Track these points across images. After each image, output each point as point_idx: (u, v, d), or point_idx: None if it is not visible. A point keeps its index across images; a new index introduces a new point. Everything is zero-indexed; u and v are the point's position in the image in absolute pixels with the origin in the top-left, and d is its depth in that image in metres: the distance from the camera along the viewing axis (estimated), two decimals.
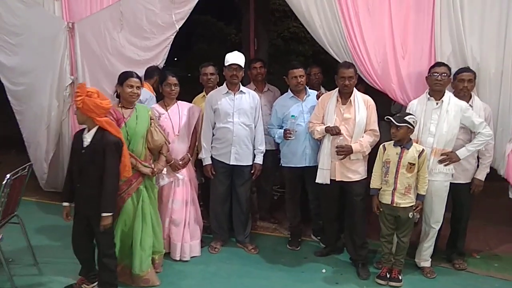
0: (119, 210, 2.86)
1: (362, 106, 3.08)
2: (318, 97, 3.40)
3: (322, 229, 3.58)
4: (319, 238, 3.66)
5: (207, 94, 3.65)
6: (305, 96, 3.44)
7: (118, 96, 2.99)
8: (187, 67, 8.06)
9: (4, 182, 2.69)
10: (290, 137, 3.28)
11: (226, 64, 3.33)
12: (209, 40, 11.89)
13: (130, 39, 4.06)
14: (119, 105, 2.95)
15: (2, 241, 2.92)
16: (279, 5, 10.53)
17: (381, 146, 3.05)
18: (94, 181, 2.57)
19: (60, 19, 4.24)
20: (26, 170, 3.03)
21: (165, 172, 3.21)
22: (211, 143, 3.41)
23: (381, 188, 3.00)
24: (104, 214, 2.56)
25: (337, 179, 3.13)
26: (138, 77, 2.97)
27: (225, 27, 12.87)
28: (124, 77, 2.94)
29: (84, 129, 2.67)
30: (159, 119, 3.27)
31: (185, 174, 3.37)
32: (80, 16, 4.21)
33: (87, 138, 2.60)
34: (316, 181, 3.19)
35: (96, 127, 2.59)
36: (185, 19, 3.97)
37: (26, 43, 4.38)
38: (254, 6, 4.94)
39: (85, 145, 2.60)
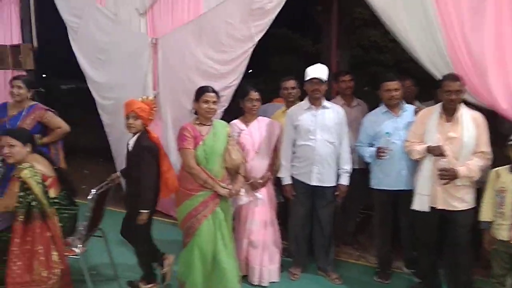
0: (194, 231, 2.77)
1: (470, 124, 2.65)
2: (416, 112, 3.02)
3: (417, 261, 3.15)
4: (413, 271, 3.23)
5: (287, 109, 3.46)
6: (401, 111, 3.08)
7: (196, 112, 2.91)
8: (264, 81, 8.01)
9: (89, 197, 2.72)
10: (383, 156, 2.95)
11: (307, 78, 3.10)
12: (284, 52, 11.76)
13: (208, 53, 4.03)
14: (197, 122, 2.87)
15: (85, 253, 2.96)
16: (359, 13, 10.09)
17: (492, 171, 2.59)
18: (135, 181, 2.79)
19: (144, 35, 4.36)
20: (111, 183, 3.08)
21: (243, 193, 3.05)
22: (292, 162, 3.19)
23: (494, 221, 2.54)
24: (141, 211, 2.73)
25: (438, 207, 2.71)
26: (214, 91, 2.86)
27: (301, 39, 12.66)
28: (200, 92, 2.85)
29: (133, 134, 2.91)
30: (239, 135, 3.14)
31: (264, 194, 3.18)
32: (163, 32, 4.29)
33: (131, 143, 2.88)
34: (412, 208, 2.81)
35: (138, 134, 2.84)
36: (264, 31, 3.84)
37: (114, 59, 4.58)
38: (337, 16, 4.68)
39: (129, 149, 2.88)
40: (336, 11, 4.64)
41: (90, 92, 5.11)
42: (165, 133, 4.32)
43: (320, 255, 3.30)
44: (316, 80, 3.03)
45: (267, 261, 3.16)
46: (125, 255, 3.38)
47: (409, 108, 3.12)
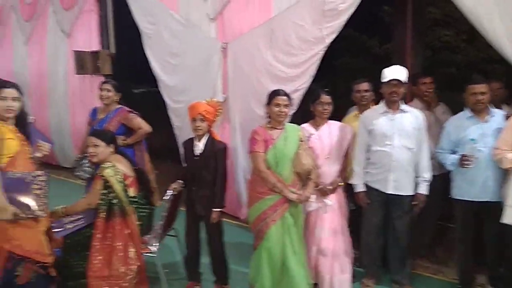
0: (263, 235, 2.74)
1: None
2: (507, 117, 2.76)
3: (504, 280, 2.88)
4: None
5: (360, 113, 3.34)
6: (488, 116, 2.83)
7: (269, 116, 2.88)
8: (332, 83, 7.86)
9: (165, 198, 2.80)
10: (468, 164, 2.72)
11: (385, 79, 2.96)
12: (351, 53, 11.49)
13: (278, 56, 4.01)
14: (268, 126, 2.84)
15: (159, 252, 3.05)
16: (431, 13, 9.57)
17: None
18: (207, 183, 2.84)
19: (215, 40, 4.45)
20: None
21: (313, 199, 2.98)
22: (365, 168, 3.06)
23: None
24: (214, 210, 2.84)
25: None
26: (286, 95, 2.82)
27: (368, 40, 12.29)
28: (272, 96, 2.82)
29: (191, 139, 2.99)
30: (308, 140, 3.07)
31: (334, 201, 3.08)
32: (233, 37, 4.35)
33: (200, 146, 2.90)
34: (501, 221, 2.56)
35: (207, 136, 2.90)
36: (336, 33, 3.74)
37: (186, 63, 4.72)
38: (412, 16, 4.45)
39: (197, 153, 2.88)
40: (411, 10, 4.40)
41: (159, 95, 5.33)
42: (233, 136, 4.36)
43: (395, 267, 3.12)
44: (395, 82, 2.88)
45: (338, 270, 3.05)
46: None
47: (497, 113, 2.87)
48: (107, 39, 5.78)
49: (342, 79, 6.77)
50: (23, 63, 7.11)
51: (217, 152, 2.85)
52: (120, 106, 3.68)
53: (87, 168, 3.65)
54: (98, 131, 2.97)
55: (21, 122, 2.62)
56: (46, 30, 6.51)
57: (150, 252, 2.88)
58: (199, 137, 2.90)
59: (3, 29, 7.53)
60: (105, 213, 2.69)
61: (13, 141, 2.49)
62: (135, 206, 2.81)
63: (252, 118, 4.12)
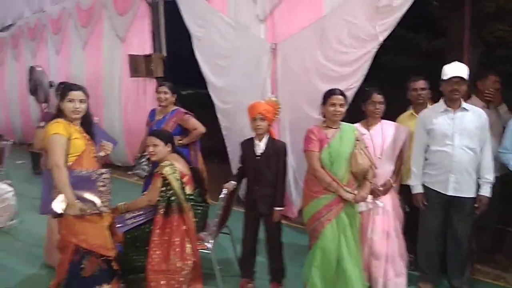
0: (318, 234, 2.73)
1: None
2: None
3: None
4: None
5: (415, 112, 3.23)
6: None
7: (324, 116, 2.86)
8: (377, 82, 7.65)
9: (221, 196, 2.86)
10: None
11: (445, 77, 2.84)
12: (397, 50, 11.13)
13: (328, 55, 3.97)
14: (324, 125, 2.82)
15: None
16: (485, 6, 9.07)
17: None
18: (269, 182, 2.87)
19: (264, 41, 4.48)
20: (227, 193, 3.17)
21: (370, 200, 2.92)
22: (424, 169, 2.96)
23: None
24: (276, 209, 2.87)
25: None
26: (342, 94, 2.78)
27: (415, 36, 11.86)
28: (327, 95, 2.79)
29: (250, 139, 3.01)
30: None
31: (387, 202, 3.00)
32: (282, 37, 4.36)
33: (261, 145, 2.92)
34: None
35: (268, 136, 2.92)
36: (390, 30, 3.65)
37: (234, 65, 4.79)
38: (470, 9, 4.25)
39: (259, 152, 2.91)
40: (469, 2, 4.21)
41: (206, 97, 5.45)
42: (282, 136, 4.36)
43: (455, 272, 2.99)
44: (456, 79, 2.76)
45: (392, 273, 2.97)
46: None
47: None
48: (159, 43, 5.98)
49: (387, 77, 6.59)
50: (80, 67, 7.51)
51: (278, 151, 2.88)
52: (176, 107, 3.79)
53: (145, 167, 3.80)
54: (157, 131, 3.07)
55: (87, 123, 2.77)
56: (102, 35, 6.84)
57: (206, 249, 2.94)
58: (260, 137, 2.93)
59: (61, 35, 8.00)
60: (164, 210, 2.79)
61: (79, 141, 2.63)
62: (191, 203, 2.90)
63: (302, 117, 4.11)
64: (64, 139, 2.54)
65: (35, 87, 7.48)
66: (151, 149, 2.88)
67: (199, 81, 5.60)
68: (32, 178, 6.90)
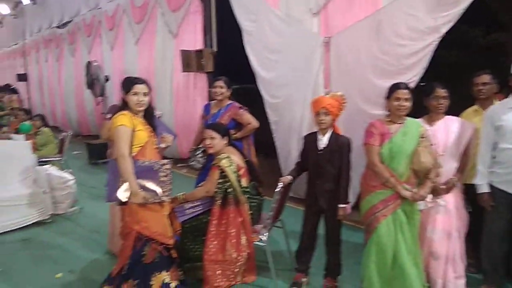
0: (373, 229, 2.69)
1: None
2: None
3: None
4: None
5: (482, 108, 3.08)
6: None
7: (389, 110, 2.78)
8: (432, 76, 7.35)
9: (276, 190, 2.87)
10: None
11: None
12: (449, 45, 10.67)
13: (384, 48, 3.86)
14: (387, 119, 2.75)
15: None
16: None
17: None
18: (332, 178, 2.82)
19: (317, 35, 4.43)
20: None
21: (429, 199, 2.82)
22: (491, 168, 2.81)
23: None
24: (341, 205, 2.82)
25: None
26: (407, 88, 2.69)
27: (469, 30, 11.27)
28: (392, 89, 2.71)
29: (313, 133, 2.97)
30: None
31: (450, 201, 2.88)
32: (336, 30, 4.29)
33: (324, 140, 2.86)
34: None
35: (331, 131, 2.86)
36: (453, 22, 3.49)
37: (285, 59, 4.78)
38: None
39: (321, 147, 2.86)
40: None
41: (254, 91, 5.48)
42: None
43: None
44: None
45: (452, 275, 2.86)
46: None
47: None
48: (210, 38, 6.08)
49: (441, 72, 6.33)
50: (133, 62, 7.79)
51: (342, 146, 2.83)
52: (231, 102, 3.83)
53: (200, 159, 3.89)
54: (214, 124, 3.13)
55: (149, 115, 2.86)
56: (155, 31, 7.05)
57: (260, 242, 2.97)
58: (323, 131, 2.88)
59: (116, 31, 8.34)
60: (220, 201, 2.85)
61: (143, 132, 2.73)
62: (247, 196, 2.93)
63: (355, 112, 4.03)
64: (129, 130, 2.64)
65: (91, 81, 7.88)
66: (208, 141, 2.94)
67: (247, 75, 5.66)
68: (88, 168, 7.29)
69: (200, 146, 3.96)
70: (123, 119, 2.65)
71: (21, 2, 12.60)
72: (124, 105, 2.76)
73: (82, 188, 5.32)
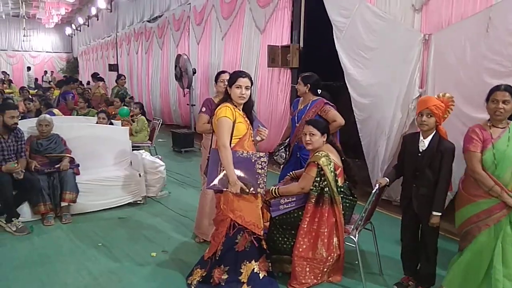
0: (471, 238, 2.54)
1: None
2: None
3: None
4: None
5: None
6: None
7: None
8: None
9: (373, 191, 2.79)
10: None
11: None
12: None
13: (494, 47, 3.55)
14: (488, 124, 2.55)
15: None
16: None
17: None
18: (429, 182, 2.67)
19: (416, 32, 4.21)
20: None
21: None
22: None
23: None
24: (434, 213, 2.65)
25: None
26: (508, 90, 2.45)
27: None
28: (491, 91, 2.52)
29: (415, 133, 2.83)
30: None
31: None
32: (438, 27, 4.05)
33: (425, 143, 2.71)
34: None
35: (433, 133, 2.69)
36: None
37: (378, 56, 4.61)
38: None
39: (421, 149, 2.71)
40: None
41: (339, 89, 5.35)
42: None
43: None
44: None
45: None
46: (391, 252, 3.41)
47: None
48: (297, 34, 6.06)
49: None
50: (219, 56, 8.05)
51: (444, 151, 2.64)
52: (318, 97, 3.80)
53: (283, 154, 3.93)
54: (314, 121, 3.11)
55: (248, 108, 2.93)
56: (242, 26, 7.20)
57: (351, 243, 2.92)
58: (424, 133, 2.72)
59: (203, 26, 8.66)
60: (315, 199, 2.84)
61: (242, 125, 2.80)
62: (342, 196, 2.89)
63: (455, 115, 3.76)
64: (230, 122, 2.73)
65: (180, 73, 8.26)
66: (307, 138, 2.94)
67: (333, 73, 5.57)
68: (171, 155, 7.69)
69: (286, 140, 4.00)
70: (226, 111, 2.75)
71: None
72: (227, 97, 2.86)
73: (168, 174, 5.62)
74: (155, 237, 3.86)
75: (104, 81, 10.65)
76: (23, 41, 22.76)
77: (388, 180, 2.86)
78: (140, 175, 4.73)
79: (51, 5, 17.66)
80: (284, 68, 6.26)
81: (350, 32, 4.93)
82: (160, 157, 5.54)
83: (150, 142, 6.55)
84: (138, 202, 4.75)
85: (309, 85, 3.78)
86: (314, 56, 6.04)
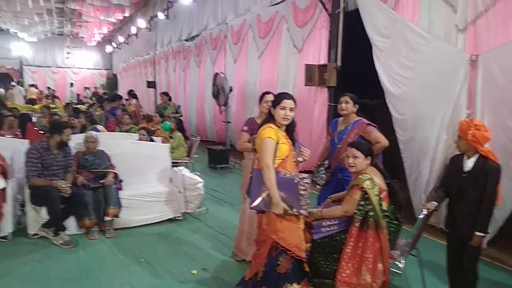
0: None
1: None
2: None
3: None
4: None
5: None
6: None
7: None
8: None
9: (421, 217, 2.72)
10: None
11: None
12: None
13: None
14: None
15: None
16: None
17: None
18: (473, 202, 2.68)
19: (462, 52, 4.13)
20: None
21: None
22: None
23: None
24: (477, 233, 2.65)
25: None
26: None
27: None
28: None
29: (459, 155, 2.85)
30: None
31: None
32: (485, 48, 3.95)
33: (469, 164, 2.75)
34: None
35: (478, 154, 2.73)
36: None
37: (420, 76, 4.53)
38: None
39: (466, 170, 2.75)
40: None
41: (373, 107, 5.28)
42: None
43: None
44: None
45: None
46: (437, 278, 3.30)
47: None
48: (335, 53, 6.07)
49: None
50: (255, 75, 8.16)
51: (489, 172, 2.65)
52: (359, 118, 3.75)
53: (323, 175, 3.89)
54: (358, 143, 3.08)
55: (290, 129, 2.94)
56: (279, 45, 7.29)
57: (396, 269, 2.84)
58: (467, 154, 2.77)
59: (240, 45, 8.82)
60: (359, 223, 2.79)
61: (285, 146, 2.81)
62: (386, 220, 2.83)
63: (506, 136, 3.68)
64: (274, 143, 2.75)
65: (217, 91, 8.43)
66: (350, 160, 2.91)
67: (369, 90, 5.51)
68: (207, 171, 7.79)
69: (325, 162, 3.95)
70: (270, 132, 2.77)
71: (156, 17, 14.09)
72: (270, 118, 2.88)
73: (204, 190, 5.69)
74: (194, 254, 3.90)
75: (138, 99, 10.99)
76: (66, 58, 23.98)
77: (436, 204, 2.78)
78: (179, 192, 4.82)
79: (94, 24, 18.56)
80: (321, 87, 6.27)
81: (391, 51, 4.89)
82: (198, 174, 5.63)
83: (188, 158, 6.67)
84: (177, 218, 4.83)
85: (357, 105, 3.75)
86: (351, 74, 6.02)
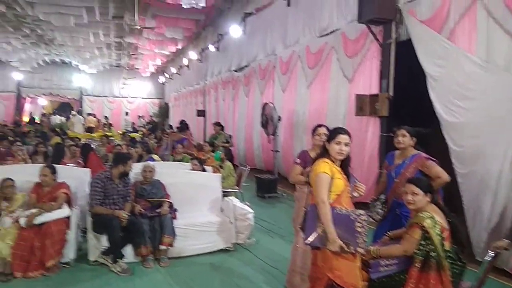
0: None
1: None
2: None
3: None
4: None
5: None
6: None
7: None
8: None
9: (488, 258, 2.57)
10: None
11: None
12: None
13: None
14: None
15: None
16: None
17: None
18: None
19: None
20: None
21: None
22: None
23: None
24: None
25: None
26: None
27: None
28: None
29: None
30: None
31: None
32: None
33: None
34: None
35: None
36: None
37: (479, 107, 4.37)
38: None
39: None
40: None
41: (426, 135, 5.09)
42: None
43: None
44: None
45: None
46: None
47: None
48: (387, 82, 6.00)
49: None
50: (303, 104, 8.21)
51: None
52: (417, 152, 3.64)
53: (379, 210, 3.78)
54: (416, 179, 3.00)
55: (345, 164, 2.92)
56: (328, 75, 7.32)
57: None
58: None
59: (289, 75, 8.95)
60: (420, 264, 2.68)
61: (340, 181, 2.79)
62: (449, 261, 2.70)
63: None
64: (328, 178, 2.74)
65: (266, 121, 8.56)
66: (409, 197, 2.83)
67: (425, 119, 5.36)
68: (255, 200, 7.81)
69: (381, 196, 3.84)
70: (325, 167, 2.76)
71: (207, 49, 14.70)
72: (324, 152, 2.89)
73: (254, 220, 5.70)
74: (247, 287, 3.89)
75: (189, 129, 11.33)
76: (122, 88, 25.46)
77: (508, 242, 2.61)
78: (231, 222, 4.87)
79: (149, 57, 19.68)
80: (372, 117, 6.18)
81: (446, 81, 4.77)
82: (248, 204, 5.67)
83: (238, 187, 6.75)
84: (228, 248, 4.87)
85: (415, 138, 3.65)
86: (403, 104, 5.90)
